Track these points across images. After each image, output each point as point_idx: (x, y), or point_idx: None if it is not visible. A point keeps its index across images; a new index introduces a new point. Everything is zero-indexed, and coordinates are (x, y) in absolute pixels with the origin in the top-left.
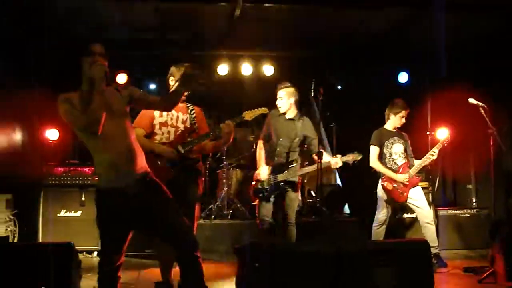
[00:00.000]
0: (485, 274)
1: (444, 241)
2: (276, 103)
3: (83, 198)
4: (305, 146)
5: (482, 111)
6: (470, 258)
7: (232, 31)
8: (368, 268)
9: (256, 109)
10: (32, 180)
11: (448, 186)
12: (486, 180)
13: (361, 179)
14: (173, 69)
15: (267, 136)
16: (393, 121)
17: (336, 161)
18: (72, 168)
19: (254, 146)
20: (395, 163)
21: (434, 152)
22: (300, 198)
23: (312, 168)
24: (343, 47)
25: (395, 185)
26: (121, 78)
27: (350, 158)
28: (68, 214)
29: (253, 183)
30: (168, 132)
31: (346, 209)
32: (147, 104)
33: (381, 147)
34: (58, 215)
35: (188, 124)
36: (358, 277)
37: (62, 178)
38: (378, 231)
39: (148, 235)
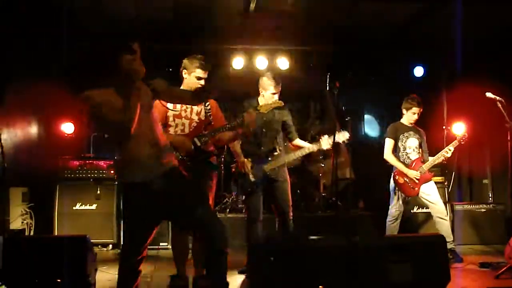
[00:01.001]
0: (502, 270)
1: (460, 236)
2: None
3: (98, 192)
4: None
5: (500, 105)
6: (486, 253)
7: (247, 25)
8: (384, 263)
9: (271, 102)
10: (48, 173)
11: (464, 181)
12: (503, 175)
13: (376, 173)
14: (185, 61)
15: None
16: (407, 117)
17: (311, 146)
18: (87, 161)
19: None
20: (408, 157)
21: (449, 149)
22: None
23: (299, 153)
24: (358, 40)
25: (406, 179)
26: None
27: (338, 138)
28: (83, 207)
29: (238, 178)
30: (183, 125)
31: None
32: (173, 98)
33: (396, 140)
34: (74, 208)
35: (203, 117)
36: (374, 272)
37: (77, 171)
38: (392, 226)
39: (180, 228)
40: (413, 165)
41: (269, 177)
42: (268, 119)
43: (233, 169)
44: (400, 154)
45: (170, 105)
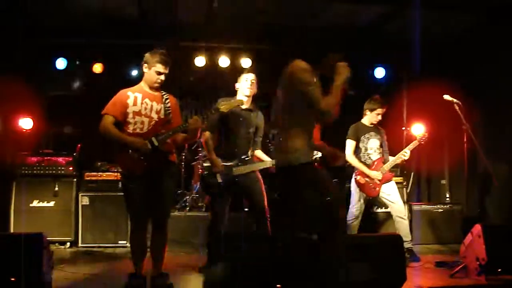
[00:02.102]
0: (457, 268)
1: (418, 236)
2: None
3: (56, 188)
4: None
5: (457, 108)
6: (443, 252)
7: (210, 22)
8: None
9: (232, 101)
10: (4, 169)
11: (423, 181)
12: (460, 176)
13: (335, 174)
14: (147, 56)
15: (216, 126)
16: (369, 117)
17: (271, 162)
18: (46, 157)
19: None
20: (369, 157)
21: (406, 152)
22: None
23: (259, 165)
24: (320, 40)
25: (367, 179)
26: (97, 68)
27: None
28: (41, 204)
29: (205, 177)
30: (142, 123)
31: None
32: None
33: (357, 141)
34: (31, 205)
35: (162, 115)
36: (331, 271)
37: (35, 167)
38: (353, 224)
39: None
40: (374, 165)
41: (237, 181)
42: (244, 119)
43: (200, 169)
44: (361, 154)
45: (130, 101)
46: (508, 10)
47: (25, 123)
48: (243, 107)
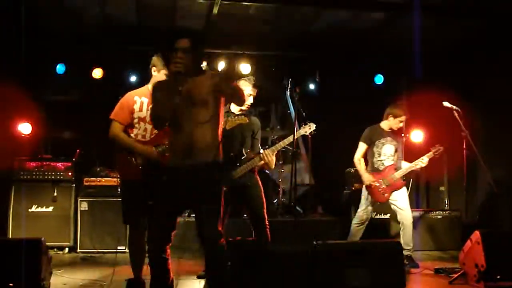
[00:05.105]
0: (456, 275)
1: (416, 242)
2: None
3: (55, 194)
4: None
5: (456, 115)
6: (442, 259)
7: (210, 28)
8: (342, 268)
9: (235, 118)
10: (3, 174)
11: (422, 188)
12: (459, 182)
13: (335, 178)
14: (155, 59)
15: None
16: (391, 123)
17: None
18: (44, 163)
19: None
20: (382, 164)
21: (422, 160)
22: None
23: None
24: (320, 47)
25: (377, 184)
26: (97, 73)
27: (304, 130)
28: (39, 209)
29: None
30: (145, 130)
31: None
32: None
33: (371, 145)
34: (29, 210)
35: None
36: (331, 277)
37: (34, 172)
38: (357, 229)
39: None
40: (385, 171)
41: (238, 184)
42: (237, 125)
43: None
44: (374, 160)
45: (136, 106)
46: (508, 16)
47: (24, 128)
48: (237, 113)
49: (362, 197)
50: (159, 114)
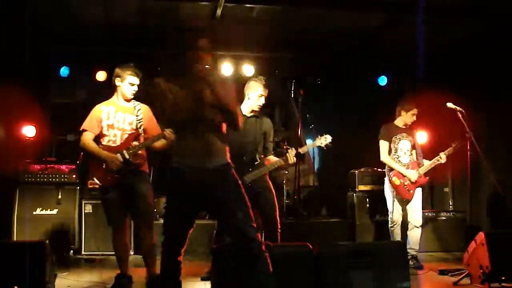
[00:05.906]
0: (461, 277)
1: (421, 244)
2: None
3: (59, 196)
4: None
5: (460, 116)
6: (446, 260)
7: (213, 30)
8: (346, 270)
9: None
10: (8, 177)
11: (426, 189)
12: (463, 183)
13: (339, 180)
14: (117, 70)
15: None
16: (405, 118)
17: (279, 160)
18: (49, 165)
19: None
20: (399, 160)
21: (441, 157)
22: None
23: (273, 165)
24: (323, 49)
25: (402, 181)
26: (101, 76)
27: (320, 142)
28: (44, 212)
29: None
30: (115, 135)
31: None
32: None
33: (389, 141)
34: (34, 213)
35: (134, 127)
36: (336, 279)
37: (38, 175)
38: (395, 231)
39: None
40: (409, 168)
41: (251, 189)
42: (249, 127)
43: None
44: (391, 156)
45: (104, 115)
46: (510, 18)
47: (29, 131)
48: (249, 114)
49: (388, 198)
50: (176, 116)
